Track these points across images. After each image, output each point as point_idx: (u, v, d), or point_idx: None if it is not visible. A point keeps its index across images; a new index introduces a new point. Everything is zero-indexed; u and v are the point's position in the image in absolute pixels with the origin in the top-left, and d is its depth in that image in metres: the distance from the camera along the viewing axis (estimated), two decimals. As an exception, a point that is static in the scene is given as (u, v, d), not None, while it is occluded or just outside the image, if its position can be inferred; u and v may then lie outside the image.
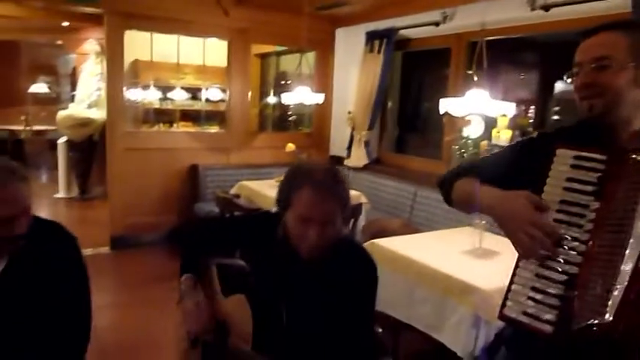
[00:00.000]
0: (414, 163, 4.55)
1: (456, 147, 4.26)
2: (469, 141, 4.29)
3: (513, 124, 3.62)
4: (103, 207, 5.38)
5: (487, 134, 4.56)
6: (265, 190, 3.88)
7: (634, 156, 1.01)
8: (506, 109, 2.37)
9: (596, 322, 0.95)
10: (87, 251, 4.38)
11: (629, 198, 0.99)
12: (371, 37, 4.59)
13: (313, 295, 1.34)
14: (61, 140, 6.48)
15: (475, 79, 2.48)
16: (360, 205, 3.65)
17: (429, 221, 3.81)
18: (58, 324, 1.37)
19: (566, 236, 1.00)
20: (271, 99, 7.00)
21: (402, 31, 4.40)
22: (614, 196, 1.00)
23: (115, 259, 4.39)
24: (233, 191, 4.33)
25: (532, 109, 4.30)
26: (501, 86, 3.55)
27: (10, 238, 1.25)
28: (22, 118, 8.54)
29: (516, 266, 1.04)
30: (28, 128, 8.66)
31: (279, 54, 6.77)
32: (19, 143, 8.77)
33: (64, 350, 1.40)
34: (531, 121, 4.21)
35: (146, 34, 5.13)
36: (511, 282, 1.04)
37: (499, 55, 3.49)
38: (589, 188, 1.01)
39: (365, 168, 4.73)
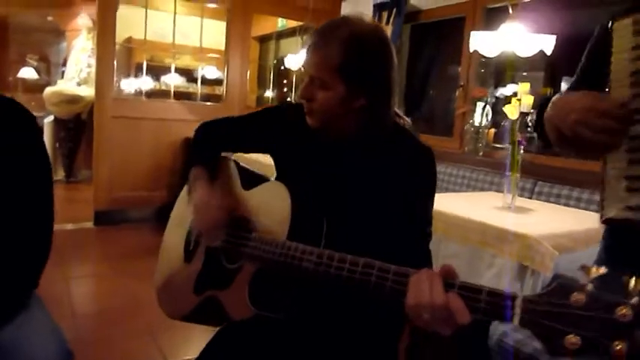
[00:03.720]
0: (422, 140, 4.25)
1: (470, 122, 4.00)
2: (477, 126, 4.05)
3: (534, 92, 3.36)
4: (89, 190, 5.02)
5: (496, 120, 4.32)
6: (261, 159, 3.56)
7: None
8: (543, 44, 2.09)
9: None
10: (67, 226, 4.09)
11: None
12: (379, 8, 4.34)
13: (357, 186, 1.06)
14: (48, 119, 6.13)
15: (510, 11, 2.20)
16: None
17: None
18: (10, 225, 1.04)
19: None
20: (269, 93, 6.67)
21: (412, 1, 4.16)
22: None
23: (97, 234, 4.04)
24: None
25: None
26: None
27: None
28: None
29: (604, 163, 0.91)
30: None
31: (279, 36, 6.50)
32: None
33: (17, 260, 1.07)
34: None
35: (139, 11, 4.83)
36: (602, 182, 0.92)
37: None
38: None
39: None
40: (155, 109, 4.42)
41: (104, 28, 3.98)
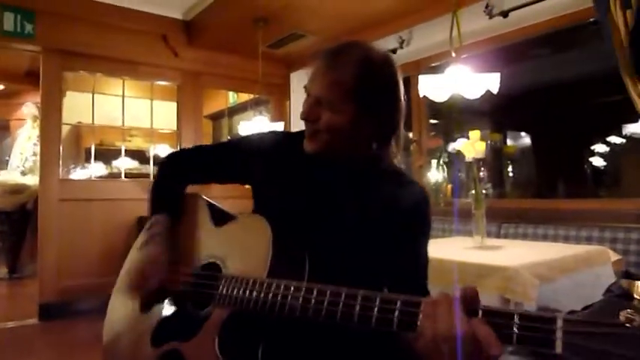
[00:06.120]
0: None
1: (428, 175, 4.06)
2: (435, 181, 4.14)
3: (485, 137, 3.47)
4: (35, 285, 4.65)
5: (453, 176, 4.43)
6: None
7: None
8: (489, 83, 2.15)
9: None
10: (9, 324, 3.70)
11: None
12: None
13: (349, 220, 0.98)
14: (-11, 213, 5.77)
15: (453, 54, 2.29)
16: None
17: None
18: None
19: None
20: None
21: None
22: None
23: (44, 329, 3.66)
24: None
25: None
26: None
27: None
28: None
29: None
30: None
31: (231, 113, 6.56)
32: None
33: None
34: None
35: (87, 96, 4.78)
36: None
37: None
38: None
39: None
40: (105, 189, 4.24)
41: (48, 109, 3.86)
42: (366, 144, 0.99)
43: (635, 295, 0.54)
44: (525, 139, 5.62)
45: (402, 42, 3.85)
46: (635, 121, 3.92)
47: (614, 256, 2.15)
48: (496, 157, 4.72)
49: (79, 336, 3.46)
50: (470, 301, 0.62)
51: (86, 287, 3.90)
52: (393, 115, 1.00)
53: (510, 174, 5.30)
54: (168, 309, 1.04)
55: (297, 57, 4.73)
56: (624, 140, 4.55)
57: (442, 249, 2.17)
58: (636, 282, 0.52)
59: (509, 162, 5.12)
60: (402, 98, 1.00)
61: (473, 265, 1.74)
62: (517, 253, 2.02)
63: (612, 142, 4.80)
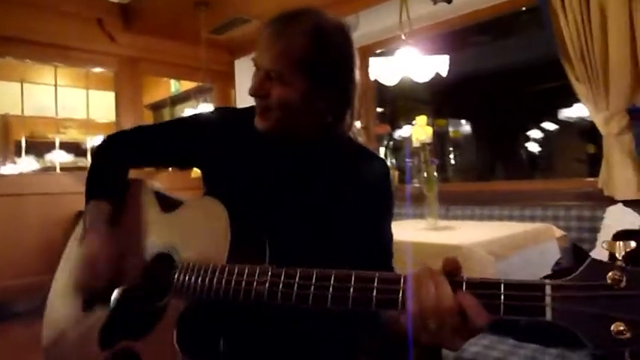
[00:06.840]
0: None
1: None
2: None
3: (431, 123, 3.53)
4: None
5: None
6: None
7: None
8: (438, 66, 2.18)
9: None
10: None
11: None
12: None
13: (307, 200, 0.94)
14: None
15: (403, 37, 2.29)
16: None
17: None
18: None
19: None
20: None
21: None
22: None
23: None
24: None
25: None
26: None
27: None
28: None
29: None
30: None
31: (173, 102, 6.33)
32: None
33: None
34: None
35: (16, 85, 4.44)
36: None
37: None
38: None
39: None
40: (39, 183, 3.97)
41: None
42: (321, 119, 0.95)
43: (618, 256, 0.55)
44: (465, 127, 5.82)
45: (349, 27, 3.83)
46: (570, 106, 4.16)
47: (558, 233, 2.25)
48: (439, 142, 4.84)
49: (16, 340, 3.23)
50: (453, 273, 0.60)
51: (23, 287, 3.65)
52: (349, 87, 0.94)
53: (452, 160, 5.47)
54: (116, 306, 0.95)
55: (242, 43, 4.60)
56: (558, 126, 4.81)
57: (397, 231, 2.18)
58: (617, 242, 0.53)
59: (451, 148, 5.28)
60: (357, 69, 0.96)
61: (430, 245, 1.77)
62: (470, 233, 2.07)
63: (547, 128, 5.06)
